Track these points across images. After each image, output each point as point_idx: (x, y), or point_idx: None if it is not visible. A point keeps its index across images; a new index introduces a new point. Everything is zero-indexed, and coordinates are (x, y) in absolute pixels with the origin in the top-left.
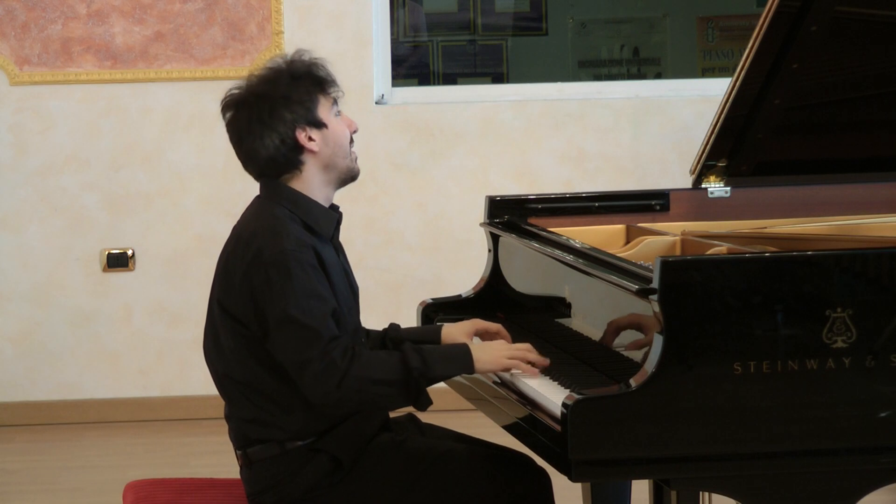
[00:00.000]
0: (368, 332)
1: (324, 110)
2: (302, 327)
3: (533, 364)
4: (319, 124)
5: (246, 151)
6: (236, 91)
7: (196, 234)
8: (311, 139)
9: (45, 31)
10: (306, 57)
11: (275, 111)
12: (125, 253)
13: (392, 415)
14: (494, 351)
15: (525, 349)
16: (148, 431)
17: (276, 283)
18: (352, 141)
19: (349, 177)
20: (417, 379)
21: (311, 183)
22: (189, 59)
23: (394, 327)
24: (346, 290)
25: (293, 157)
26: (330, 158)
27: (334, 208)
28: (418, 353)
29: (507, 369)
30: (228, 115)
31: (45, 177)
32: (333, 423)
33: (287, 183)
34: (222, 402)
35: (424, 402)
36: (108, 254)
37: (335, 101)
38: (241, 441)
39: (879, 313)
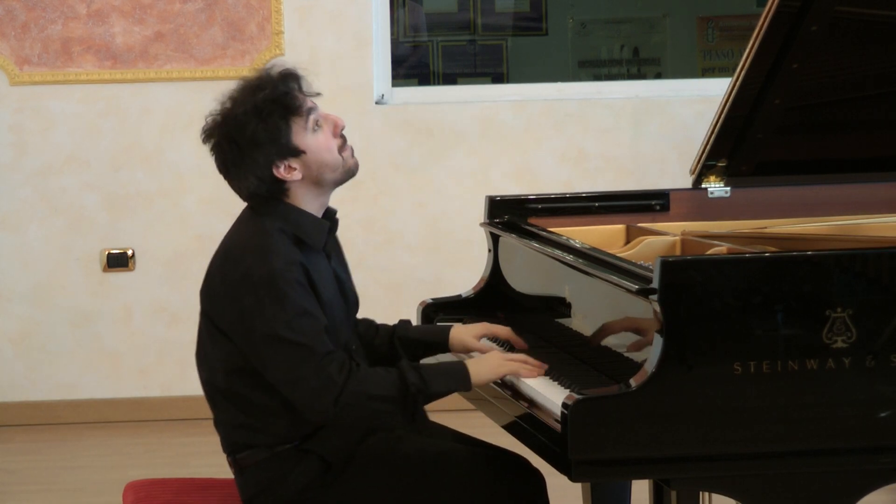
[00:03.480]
0: (378, 327)
1: (298, 134)
2: (294, 345)
3: (530, 370)
4: (297, 152)
5: (231, 185)
6: (212, 122)
7: (196, 234)
8: (290, 168)
9: (45, 31)
10: (274, 72)
11: (245, 157)
12: (125, 253)
13: None
14: (490, 364)
15: (520, 360)
16: (148, 431)
17: (267, 305)
18: (343, 139)
19: (345, 178)
20: (415, 395)
21: (302, 197)
22: (189, 59)
23: (403, 325)
24: (338, 302)
25: (276, 188)
26: (316, 177)
27: (330, 213)
28: (416, 371)
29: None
30: (208, 145)
31: (45, 177)
32: (319, 425)
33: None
34: None
35: (420, 420)
36: (108, 254)
37: (310, 112)
38: (231, 447)
39: (879, 313)
